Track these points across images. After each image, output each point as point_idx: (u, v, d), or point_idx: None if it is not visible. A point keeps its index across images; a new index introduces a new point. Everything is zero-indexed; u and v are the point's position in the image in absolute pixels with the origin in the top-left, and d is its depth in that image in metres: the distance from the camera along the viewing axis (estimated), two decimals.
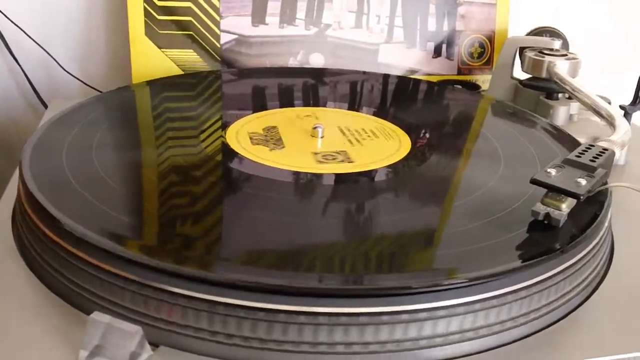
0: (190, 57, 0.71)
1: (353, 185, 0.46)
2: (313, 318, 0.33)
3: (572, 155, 0.43)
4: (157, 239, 0.38)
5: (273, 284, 0.33)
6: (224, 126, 0.54)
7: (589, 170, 0.41)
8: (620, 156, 0.56)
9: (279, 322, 0.33)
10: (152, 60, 0.70)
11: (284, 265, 0.36)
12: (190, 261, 0.35)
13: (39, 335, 0.34)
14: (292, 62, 0.73)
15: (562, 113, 0.63)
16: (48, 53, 0.74)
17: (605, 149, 0.44)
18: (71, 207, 0.39)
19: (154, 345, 0.34)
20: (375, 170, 0.48)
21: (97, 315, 0.33)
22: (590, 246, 0.40)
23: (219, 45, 0.71)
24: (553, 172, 0.40)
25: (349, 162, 0.48)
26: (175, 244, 0.38)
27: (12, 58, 0.73)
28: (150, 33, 0.69)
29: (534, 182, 0.40)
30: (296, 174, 0.46)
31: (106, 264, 0.35)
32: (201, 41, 0.71)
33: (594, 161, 0.42)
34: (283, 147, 0.50)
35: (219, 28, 0.71)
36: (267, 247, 0.37)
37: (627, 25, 0.89)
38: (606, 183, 0.43)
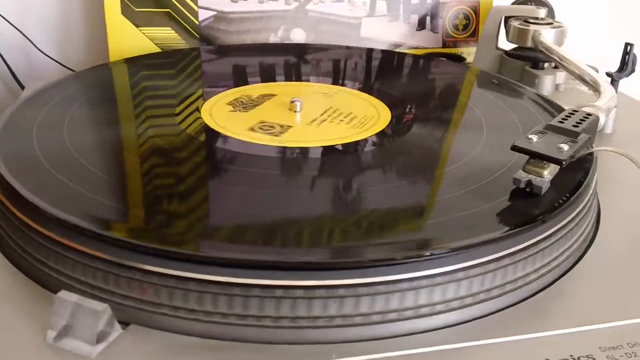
0: (169, 35, 0.69)
1: (334, 157, 0.45)
2: (291, 292, 0.32)
3: (554, 121, 0.41)
4: (126, 215, 0.37)
5: (247, 258, 0.32)
6: (201, 103, 0.53)
7: (571, 135, 0.40)
8: (607, 124, 0.55)
9: (255, 297, 0.32)
10: (129, 40, 0.68)
11: (261, 240, 0.35)
12: (160, 237, 0.34)
13: (6, 316, 0.33)
14: (273, 39, 0.72)
15: (548, 82, 0.62)
16: (24, 35, 0.72)
17: (589, 114, 0.43)
18: (39, 185, 0.38)
19: (124, 324, 0.33)
20: (358, 142, 0.46)
21: (63, 294, 0.32)
22: (574, 213, 0.39)
23: (197, 22, 0.69)
24: (534, 138, 0.39)
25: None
26: (145, 220, 0.37)
27: None
28: (126, 11, 0.68)
29: (515, 148, 0.39)
30: (281, 149, 0.45)
31: (74, 241, 0.34)
32: (179, 18, 0.69)
33: (577, 126, 0.41)
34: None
35: (197, 4, 0.69)
36: (244, 221, 0.36)
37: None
38: (590, 148, 0.42)
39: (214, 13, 0.70)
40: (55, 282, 0.35)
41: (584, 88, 0.64)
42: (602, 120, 0.44)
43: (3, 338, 0.32)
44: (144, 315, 0.33)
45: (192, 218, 0.37)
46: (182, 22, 0.69)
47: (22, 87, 0.72)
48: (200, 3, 0.69)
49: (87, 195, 0.38)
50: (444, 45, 0.76)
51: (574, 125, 0.41)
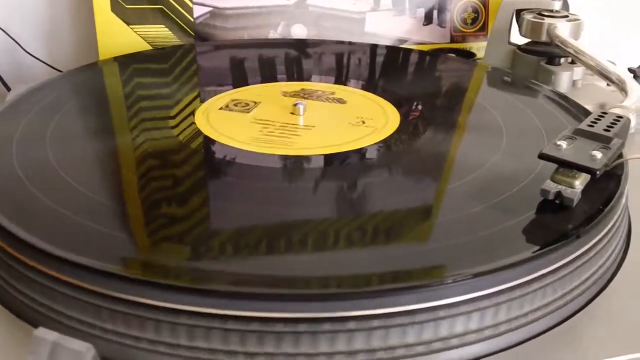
0: (162, 33, 0.65)
1: (335, 167, 0.41)
2: (292, 326, 0.28)
3: (583, 125, 0.38)
4: (114, 241, 0.33)
5: (243, 292, 0.29)
6: (197, 106, 0.49)
7: (603, 141, 0.37)
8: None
9: (253, 332, 0.28)
10: (120, 38, 0.64)
11: (263, 265, 0.31)
12: (151, 267, 0.31)
13: None
14: (273, 35, 0.68)
15: (565, 79, 0.59)
16: (8, 35, 0.68)
17: (620, 117, 0.40)
18: (16, 206, 0.35)
19: None
20: (365, 149, 0.43)
21: (41, 332, 0.28)
22: (609, 226, 0.35)
23: (192, 19, 0.66)
24: (564, 144, 0.36)
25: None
26: (136, 247, 0.33)
27: None
28: (116, 9, 0.64)
29: (543, 156, 0.35)
30: (283, 157, 0.41)
31: (54, 271, 0.30)
32: (173, 15, 0.65)
33: (609, 130, 0.38)
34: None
35: (191, 0, 0.65)
36: (245, 246, 0.33)
37: None
38: (622, 155, 0.38)
39: (210, 9, 0.66)
40: (35, 314, 0.31)
41: (603, 84, 0.60)
42: (633, 122, 0.41)
43: None
44: (132, 353, 0.29)
45: (192, 245, 0.33)
46: (176, 19, 0.65)
47: (9, 89, 0.69)
48: None
49: (70, 218, 0.34)
50: (452, 41, 0.72)
51: (605, 130, 0.38)
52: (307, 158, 0.42)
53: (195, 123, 0.46)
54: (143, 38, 0.65)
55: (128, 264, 0.31)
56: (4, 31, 0.68)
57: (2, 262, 0.33)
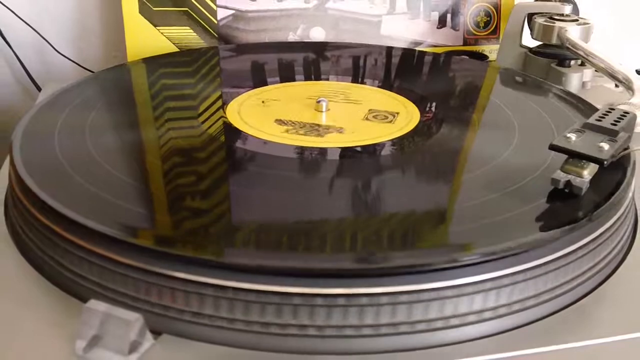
0: (187, 35, 0.68)
1: (360, 160, 0.44)
2: (324, 300, 0.31)
3: (592, 119, 0.40)
4: (156, 221, 0.36)
5: (281, 266, 0.31)
6: (224, 103, 0.51)
7: (611, 134, 0.39)
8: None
9: (289, 305, 0.31)
10: (147, 39, 0.67)
11: (293, 246, 0.34)
12: (192, 243, 0.33)
13: (33, 326, 0.32)
14: (292, 37, 0.70)
15: (575, 80, 0.61)
16: (40, 35, 0.71)
17: (627, 112, 0.42)
18: (63, 190, 0.37)
19: (156, 333, 0.32)
20: (382, 144, 0.45)
21: (93, 304, 0.30)
22: (617, 214, 0.37)
23: (215, 22, 0.68)
24: (573, 137, 0.38)
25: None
26: (176, 225, 0.35)
27: (4, 42, 0.71)
28: (144, 11, 0.67)
29: (553, 147, 0.38)
30: (300, 149, 0.44)
31: (102, 249, 0.33)
32: (197, 18, 0.68)
33: (616, 125, 0.40)
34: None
35: (215, 3, 0.68)
36: (275, 227, 0.35)
37: None
38: (628, 147, 0.41)
39: (233, 12, 0.69)
40: (84, 290, 0.34)
41: (611, 85, 0.63)
42: (639, 119, 0.43)
43: (30, 349, 0.31)
44: (176, 325, 0.32)
45: (226, 224, 0.36)
46: (201, 21, 0.68)
47: (39, 88, 0.72)
48: (218, 2, 0.68)
49: (114, 201, 0.37)
50: (465, 43, 0.75)
51: (612, 124, 0.40)
52: (347, 150, 0.44)
53: (226, 117, 0.49)
54: (169, 39, 0.68)
55: (167, 242, 0.34)
56: (36, 31, 0.71)
57: (50, 241, 0.35)
